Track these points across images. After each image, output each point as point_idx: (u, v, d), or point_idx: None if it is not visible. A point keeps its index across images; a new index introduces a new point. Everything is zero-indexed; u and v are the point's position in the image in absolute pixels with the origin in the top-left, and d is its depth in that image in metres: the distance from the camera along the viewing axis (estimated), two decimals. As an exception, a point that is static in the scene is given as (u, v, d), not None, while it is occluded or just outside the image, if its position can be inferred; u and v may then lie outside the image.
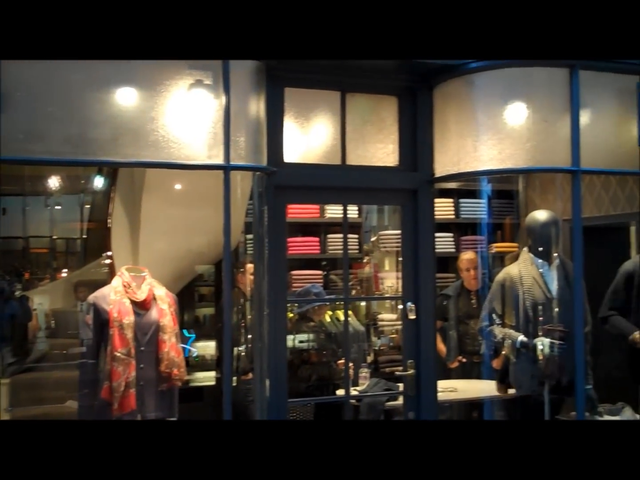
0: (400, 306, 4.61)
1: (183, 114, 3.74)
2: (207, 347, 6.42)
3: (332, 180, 4.35)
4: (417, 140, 4.49)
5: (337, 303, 5.77)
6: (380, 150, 4.49)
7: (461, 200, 6.59)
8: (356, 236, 6.40)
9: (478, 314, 5.53)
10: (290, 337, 5.33)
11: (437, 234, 6.18)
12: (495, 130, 4.27)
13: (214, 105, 3.80)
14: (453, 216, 6.65)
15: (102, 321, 4.20)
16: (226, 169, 3.79)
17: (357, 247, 6.47)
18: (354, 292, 6.47)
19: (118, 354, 4.09)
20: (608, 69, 4.36)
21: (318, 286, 5.38)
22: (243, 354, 4.86)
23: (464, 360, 5.59)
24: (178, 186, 5.44)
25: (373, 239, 6.53)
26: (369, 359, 6.13)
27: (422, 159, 4.49)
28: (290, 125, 4.29)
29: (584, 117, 4.35)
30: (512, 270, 4.70)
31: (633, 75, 4.41)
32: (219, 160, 3.79)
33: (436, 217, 6.19)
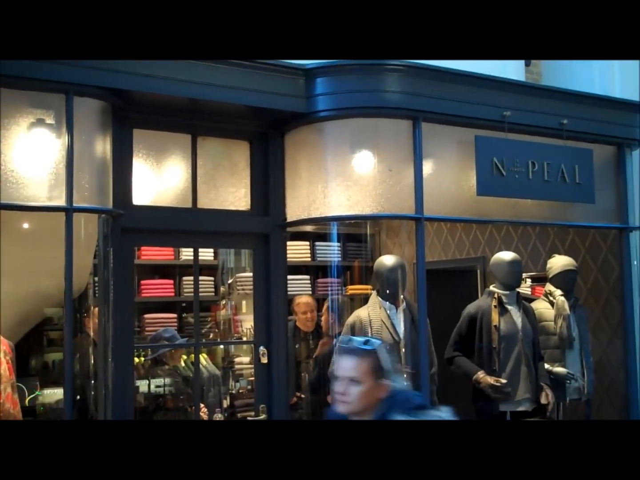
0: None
1: (23, 153, 3.63)
2: (55, 394, 6.12)
3: (183, 223, 4.32)
4: (268, 185, 4.57)
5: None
6: (232, 194, 4.53)
7: (317, 243, 6.70)
8: (212, 278, 6.35)
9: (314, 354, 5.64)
10: (145, 383, 5.19)
11: (294, 277, 6.33)
12: (344, 177, 4.42)
13: (57, 145, 3.70)
14: (309, 259, 6.75)
15: None
16: (68, 210, 3.69)
17: (213, 289, 6.42)
18: (211, 335, 6.40)
19: (-53, 406, 3.83)
20: (449, 122, 4.63)
21: (170, 330, 5.28)
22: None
23: (302, 396, 5.65)
24: (25, 225, 5.22)
25: (230, 281, 6.50)
26: (225, 403, 6.05)
27: (273, 203, 4.57)
28: (139, 167, 4.24)
29: (427, 167, 4.58)
30: (361, 313, 4.81)
31: (472, 128, 4.69)
32: (61, 201, 3.69)
33: (293, 259, 6.33)
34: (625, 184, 5.44)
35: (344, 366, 2.36)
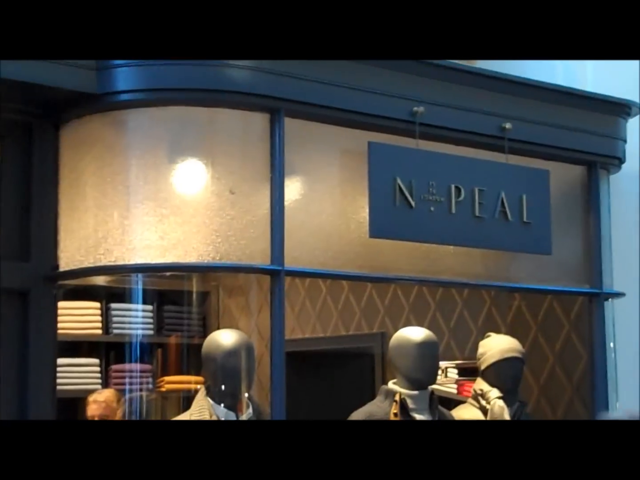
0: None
1: None
2: None
3: None
4: (30, 210, 4.52)
5: None
6: (-33, 224, 4.46)
7: (112, 305, 6.65)
8: None
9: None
10: None
11: (72, 361, 6.24)
12: (156, 201, 4.43)
13: None
14: (100, 331, 6.69)
15: None
16: None
17: None
18: None
19: None
20: (328, 119, 4.72)
21: None
22: None
23: None
24: None
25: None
26: None
27: (37, 241, 4.54)
28: None
29: (293, 190, 4.66)
30: (180, 424, 4.82)
31: (364, 130, 4.82)
32: None
33: (71, 331, 6.23)
34: (599, 224, 5.70)
35: None
